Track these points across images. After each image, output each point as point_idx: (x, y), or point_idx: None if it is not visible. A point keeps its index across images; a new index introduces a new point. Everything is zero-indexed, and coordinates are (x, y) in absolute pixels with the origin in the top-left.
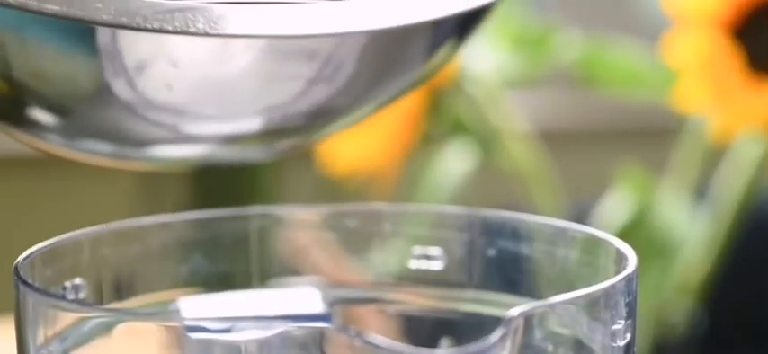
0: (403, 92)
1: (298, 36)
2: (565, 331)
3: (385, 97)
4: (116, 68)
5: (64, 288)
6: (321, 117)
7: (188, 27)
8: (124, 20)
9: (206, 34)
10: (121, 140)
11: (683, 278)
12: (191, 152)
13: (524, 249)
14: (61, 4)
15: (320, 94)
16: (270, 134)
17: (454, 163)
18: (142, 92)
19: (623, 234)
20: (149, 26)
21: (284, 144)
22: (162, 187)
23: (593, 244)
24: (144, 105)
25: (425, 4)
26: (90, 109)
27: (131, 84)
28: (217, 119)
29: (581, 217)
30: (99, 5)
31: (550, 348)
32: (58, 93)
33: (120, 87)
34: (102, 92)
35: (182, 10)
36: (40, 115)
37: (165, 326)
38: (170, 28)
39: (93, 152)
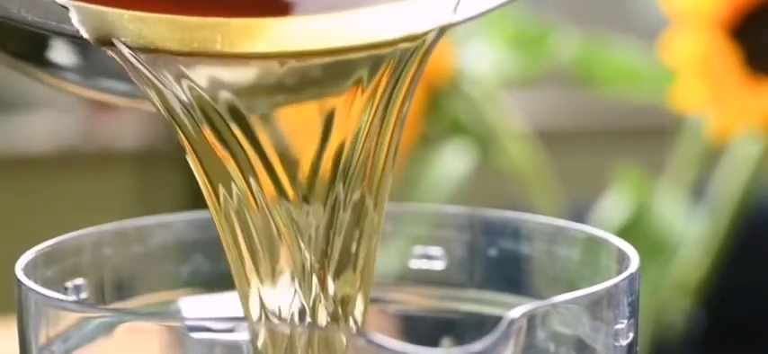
0: None
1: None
2: (567, 331)
3: None
4: None
5: (65, 289)
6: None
7: (207, 47)
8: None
9: (226, 55)
10: None
11: (682, 278)
12: None
13: (525, 249)
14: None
15: None
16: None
17: (452, 163)
18: None
19: (621, 234)
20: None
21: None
22: (161, 187)
23: (594, 244)
24: None
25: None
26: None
27: None
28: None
29: (579, 217)
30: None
31: (552, 347)
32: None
33: None
34: None
35: (201, 27)
36: (60, 55)
37: (167, 326)
38: (189, 49)
39: (112, 91)
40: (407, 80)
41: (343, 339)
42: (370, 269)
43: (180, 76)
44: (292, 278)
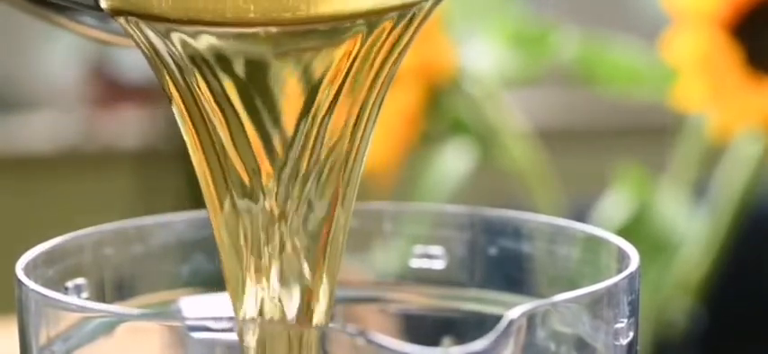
0: None
1: None
2: (567, 330)
3: None
4: None
5: (66, 289)
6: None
7: (240, 16)
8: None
9: (261, 22)
10: None
11: (683, 277)
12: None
13: (526, 248)
14: None
15: None
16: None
17: (453, 162)
18: None
19: (622, 233)
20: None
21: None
22: (161, 187)
23: (594, 243)
24: None
25: None
26: None
27: None
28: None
29: (580, 216)
30: None
31: (553, 346)
32: None
33: None
34: None
35: None
36: None
37: (168, 326)
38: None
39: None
40: (402, 43)
41: (330, 337)
42: (335, 268)
43: (193, 35)
44: (259, 276)
